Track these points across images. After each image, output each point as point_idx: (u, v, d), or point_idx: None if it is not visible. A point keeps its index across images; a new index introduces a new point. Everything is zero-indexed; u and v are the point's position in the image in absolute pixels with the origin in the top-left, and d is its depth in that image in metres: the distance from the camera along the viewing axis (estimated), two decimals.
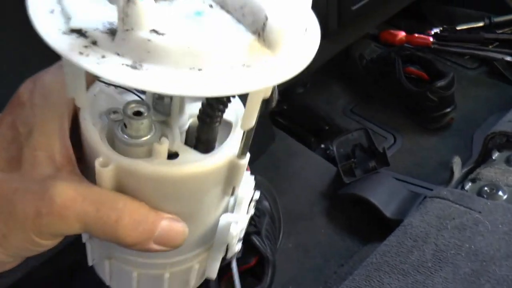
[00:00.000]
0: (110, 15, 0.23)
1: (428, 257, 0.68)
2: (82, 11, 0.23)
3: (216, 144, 0.30)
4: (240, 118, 0.30)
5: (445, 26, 1.42)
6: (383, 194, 1.03)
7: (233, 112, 0.31)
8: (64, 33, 0.22)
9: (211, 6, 0.25)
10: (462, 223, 0.71)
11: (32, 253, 0.28)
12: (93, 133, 0.27)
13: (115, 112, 0.28)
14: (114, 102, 0.30)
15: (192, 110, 0.31)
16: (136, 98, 0.29)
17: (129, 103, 0.27)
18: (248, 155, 0.29)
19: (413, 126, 1.25)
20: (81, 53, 0.21)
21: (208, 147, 0.29)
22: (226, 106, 0.28)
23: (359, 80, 1.36)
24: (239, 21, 0.24)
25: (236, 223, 0.33)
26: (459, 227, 0.71)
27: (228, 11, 0.24)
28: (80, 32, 0.22)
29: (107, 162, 0.26)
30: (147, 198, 0.28)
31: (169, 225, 0.28)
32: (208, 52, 0.22)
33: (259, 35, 0.23)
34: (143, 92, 0.30)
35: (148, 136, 0.27)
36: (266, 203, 1.02)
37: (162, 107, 0.29)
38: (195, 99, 0.31)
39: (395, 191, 1.05)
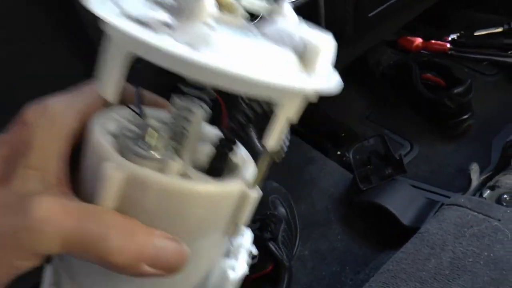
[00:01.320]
0: (158, 13, 0.23)
1: (445, 264, 0.68)
2: (134, 7, 0.24)
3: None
4: (246, 162, 0.31)
5: (462, 31, 1.41)
6: (400, 201, 1.02)
7: (240, 157, 0.31)
8: (123, 17, 0.23)
9: (253, 33, 0.27)
10: (480, 231, 0.70)
11: (9, 276, 0.25)
12: (104, 143, 0.26)
13: (129, 130, 0.27)
14: (122, 125, 0.29)
15: (200, 149, 0.30)
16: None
17: (150, 118, 0.27)
18: (259, 191, 0.29)
19: (430, 133, 1.24)
20: (150, 28, 0.22)
21: (218, 176, 0.29)
22: (244, 130, 0.28)
23: (375, 86, 1.35)
24: (277, 43, 0.26)
25: (233, 270, 0.31)
26: (478, 235, 0.70)
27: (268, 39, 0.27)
28: (137, 21, 0.23)
29: (120, 169, 0.25)
30: (147, 216, 0.26)
31: (164, 244, 0.25)
32: (261, 56, 0.24)
33: (300, 56, 0.25)
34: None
35: (164, 154, 0.26)
36: (282, 210, 1.02)
37: (178, 136, 0.29)
38: (204, 141, 0.31)
39: (411, 198, 1.04)
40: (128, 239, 0.24)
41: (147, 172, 0.25)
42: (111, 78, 0.26)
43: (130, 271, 0.25)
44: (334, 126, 1.30)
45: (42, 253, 0.24)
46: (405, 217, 0.99)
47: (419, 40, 1.41)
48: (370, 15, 1.04)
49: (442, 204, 0.82)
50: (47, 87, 0.54)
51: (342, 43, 1.12)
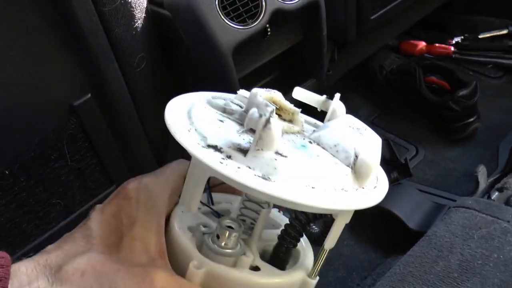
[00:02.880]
0: (233, 137, 0.29)
1: (454, 267, 0.66)
2: (213, 132, 0.29)
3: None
4: (305, 248, 0.36)
5: (466, 35, 1.40)
6: (406, 205, 1.01)
7: (300, 244, 0.36)
8: (203, 147, 0.28)
9: (310, 142, 0.32)
10: (489, 233, 0.69)
11: None
12: (186, 240, 0.32)
13: (205, 226, 0.33)
14: (198, 219, 0.34)
15: (267, 236, 0.36)
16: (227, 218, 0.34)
17: (224, 218, 0.32)
18: (318, 278, 0.34)
19: (435, 137, 1.22)
20: (221, 163, 0.27)
21: (282, 266, 0.34)
22: (305, 229, 0.33)
23: (379, 91, 1.35)
24: (333, 155, 0.31)
25: None
26: (486, 237, 0.68)
27: (323, 148, 0.32)
28: (216, 148, 0.28)
29: (200, 265, 0.30)
30: None
31: None
32: (320, 176, 0.28)
33: (351, 168, 0.30)
34: (219, 215, 0.36)
35: (236, 249, 0.31)
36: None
37: (247, 228, 0.35)
38: (271, 227, 0.37)
39: (418, 202, 1.03)
40: None
41: (221, 269, 0.31)
42: (194, 195, 0.31)
43: None
44: None
45: None
46: (412, 221, 0.97)
47: (422, 44, 1.41)
48: (372, 18, 1.03)
49: (450, 207, 0.80)
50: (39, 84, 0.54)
51: (345, 47, 1.11)
